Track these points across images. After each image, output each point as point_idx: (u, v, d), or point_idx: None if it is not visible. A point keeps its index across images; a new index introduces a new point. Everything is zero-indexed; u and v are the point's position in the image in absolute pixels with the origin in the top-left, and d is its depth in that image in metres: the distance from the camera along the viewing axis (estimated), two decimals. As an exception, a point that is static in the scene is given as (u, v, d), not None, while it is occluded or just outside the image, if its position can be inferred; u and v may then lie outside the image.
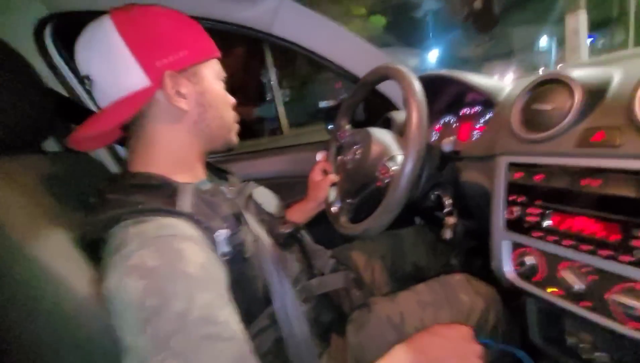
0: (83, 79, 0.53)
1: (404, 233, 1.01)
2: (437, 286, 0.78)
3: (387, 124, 1.04)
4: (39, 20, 0.87)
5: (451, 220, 0.74)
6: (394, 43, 3.82)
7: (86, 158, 0.71)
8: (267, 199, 0.72)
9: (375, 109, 1.17)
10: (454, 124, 0.93)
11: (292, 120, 2.58)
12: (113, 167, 1.04)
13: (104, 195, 0.49)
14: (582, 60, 0.98)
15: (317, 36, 1.08)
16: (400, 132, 0.92)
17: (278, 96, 2.55)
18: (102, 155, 1.04)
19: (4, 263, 0.40)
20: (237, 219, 0.55)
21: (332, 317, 0.71)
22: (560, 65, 0.95)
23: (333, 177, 0.90)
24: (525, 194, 0.58)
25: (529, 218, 0.57)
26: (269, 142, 2.51)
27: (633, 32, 1.73)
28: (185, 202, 0.48)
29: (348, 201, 0.83)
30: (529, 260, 0.57)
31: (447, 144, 0.79)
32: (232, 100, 0.64)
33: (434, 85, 0.87)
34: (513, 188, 0.60)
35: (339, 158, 0.89)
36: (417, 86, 0.63)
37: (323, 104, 3.24)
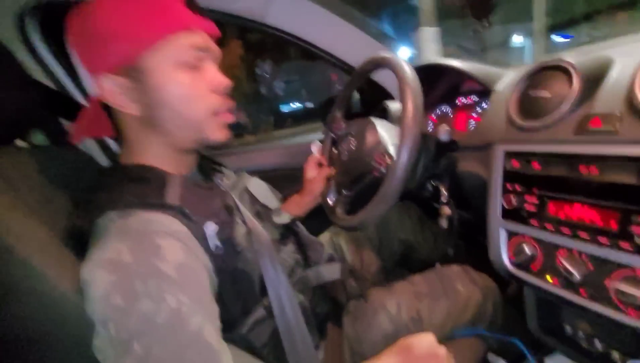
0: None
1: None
2: (433, 277, 0.77)
3: (383, 114, 1.03)
4: (22, 10, 0.84)
5: (448, 210, 0.74)
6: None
7: (75, 151, 0.69)
8: (261, 190, 0.71)
9: (371, 99, 1.15)
10: (450, 114, 0.92)
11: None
12: (103, 160, 1.02)
13: (93, 187, 0.48)
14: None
15: (313, 26, 1.06)
16: (397, 121, 0.91)
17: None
18: (92, 148, 1.02)
19: None
20: (230, 212, 0.54)
21: (328, 308, 0.71)
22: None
23: (328, 170, 0.89)
24: (522, 183, 0.57)
25: (526, 207, 0.56)
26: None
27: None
28: (174, 194, 0.47)
29: (344, 192, 0.82)
30: (527, 249, 0.56)
31: (444, 134, 0.78)
32: (214, 84, 0.50)
33: (429, 74, 0.86)
34: (510, 176, 0.59)
35: (334, 150, 0.88)
36: (412, 75, 0.63)
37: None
